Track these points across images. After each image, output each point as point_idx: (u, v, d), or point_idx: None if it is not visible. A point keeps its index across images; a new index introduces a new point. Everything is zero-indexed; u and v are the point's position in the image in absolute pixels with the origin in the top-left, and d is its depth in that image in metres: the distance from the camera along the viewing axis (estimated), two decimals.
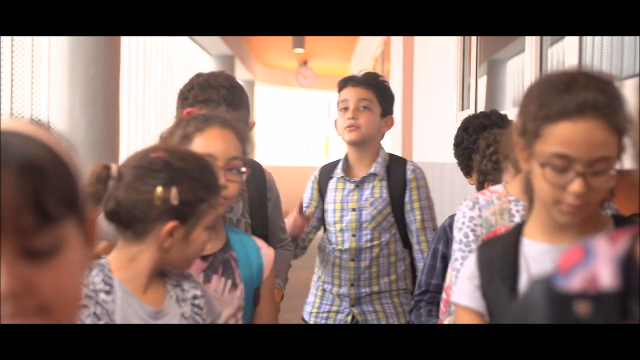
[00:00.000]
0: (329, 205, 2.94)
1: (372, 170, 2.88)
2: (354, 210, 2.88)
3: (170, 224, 1.59)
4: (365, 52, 12.28)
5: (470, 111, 4.73)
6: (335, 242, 2.90)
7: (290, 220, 2.77)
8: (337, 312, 2.92)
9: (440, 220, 2.56)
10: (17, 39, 5.32)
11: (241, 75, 14.21)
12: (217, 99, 2.33)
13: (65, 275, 0.78)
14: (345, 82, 2.94)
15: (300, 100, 20.39)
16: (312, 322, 2.97)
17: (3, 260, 0.73)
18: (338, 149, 17.53)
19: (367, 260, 2.86)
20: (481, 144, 2.23)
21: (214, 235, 1.87)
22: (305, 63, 16.28)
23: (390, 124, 2.94)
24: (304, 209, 2.91)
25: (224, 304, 1.88)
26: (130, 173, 1.60)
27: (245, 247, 1.98)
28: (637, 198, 1.00)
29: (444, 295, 2.17)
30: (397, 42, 7.96)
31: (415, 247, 2.87)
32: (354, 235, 2.87)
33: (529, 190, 1.56)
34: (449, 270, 2.03)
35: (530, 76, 3.42)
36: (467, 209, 1.87)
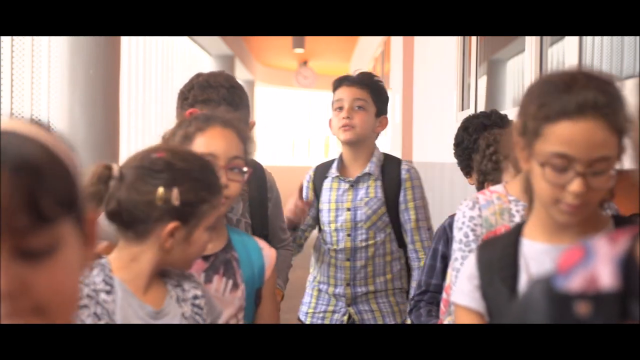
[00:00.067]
0: (323, 205, 2.93)
1: (366, 170, 2.88)
2: (348, 210, 2.88)
3: (172, 225, 1.59)
4: (365, 52, 12.28)
5: (470, 111, 4.73)
6: (330, 242, 2.90)
7: (290, 206, 2.77)
8: (334, 312, 2.92)
9: (440, 220, 2.56)
10: (17, 39, 5.33)
11: (241, 75, 14.22)
12: (217, 99, 2.33)
13: (61, 275, 0.77)
14: (340, 82, 2.94)
15: (300, 100, 20.40)
16: (308, 322, 2.97)
17: None
18: (338, 149, 17.51)
19: (362, 260, 2.86)
20: (481, 144, 2.23)
21: (215, 236, 1.87)
22: (305, 63, 16.29)
23: (384, 124, 2.94)
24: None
25: (225, 304, 1.88)
26: (131, 173, 1.60)
27: (247, 248, 1.98)
28: (637, 198, 1.00)
29: (444, 295, 2.17)
30: (397, 42, 7.96)
31: (410, 246, 2.88)
32: (349, 235, 2.87)
33: (529, 190, 1.56)
34: (449, 270, 2.03)
35: (530, 76, 3.42)
36: (467, 209, 1.87)
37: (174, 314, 1.63)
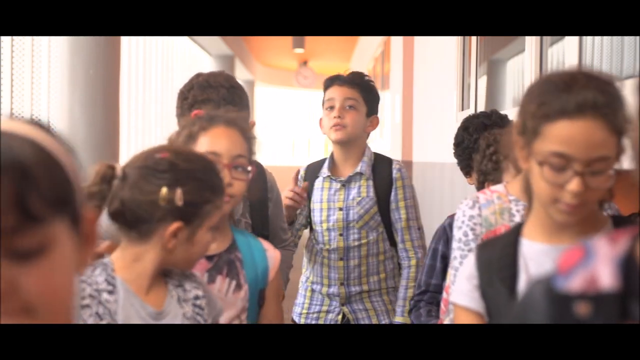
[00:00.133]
0: (315, 205, 2.93)
1: (358, 169, 2.88)
2: (340, 209, 2.88)
3: (175, 225, 1.59)
4: (365, 52, 12.28)
5: (470, 111, 4.73)
6: (323, 241, 2.90)
7: (288, 193, 2.78)
8: (328, 311, 2.92)
9: (440, 220, 2.56)
10: (17, 39, 5.33)
11: (241, 75, 14.21)
12: (217, 99, 2.33)
13: (52, 275, 0.77)
14: (331, 81, 2.94)
15: (300, 100, 20.39)
16: (302, 323, 2.97)
17: None
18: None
19: (356, 259, 2.87)
20: (481, 144, 2.23)
21: (219, 236, 1.87)
22: (305, 63, 16.28)
23: (375, 124, 2.95)
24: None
25: (228, 305, 1.88)
26: (135, 173, 1.60)
27: (251, 249, 1.98)
28: (637, 198, 1.00)
29: (444, 295, 2.17)
30: (397, 42, 7.96)
31: (400, 245, 2.88)
32: (341, 235, 2.87)
33: (528, 190, 1.56)
34: (449, 269, 2.03)
35: (530, 76, 3.42)
36: (467, 208, 1.87)
37: (175, 314, 1.63)
